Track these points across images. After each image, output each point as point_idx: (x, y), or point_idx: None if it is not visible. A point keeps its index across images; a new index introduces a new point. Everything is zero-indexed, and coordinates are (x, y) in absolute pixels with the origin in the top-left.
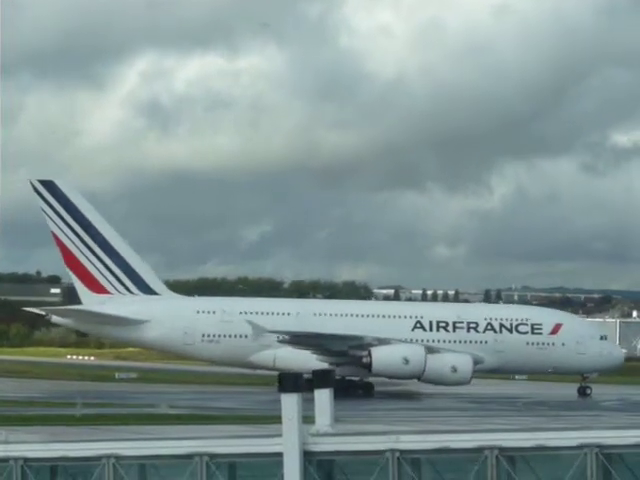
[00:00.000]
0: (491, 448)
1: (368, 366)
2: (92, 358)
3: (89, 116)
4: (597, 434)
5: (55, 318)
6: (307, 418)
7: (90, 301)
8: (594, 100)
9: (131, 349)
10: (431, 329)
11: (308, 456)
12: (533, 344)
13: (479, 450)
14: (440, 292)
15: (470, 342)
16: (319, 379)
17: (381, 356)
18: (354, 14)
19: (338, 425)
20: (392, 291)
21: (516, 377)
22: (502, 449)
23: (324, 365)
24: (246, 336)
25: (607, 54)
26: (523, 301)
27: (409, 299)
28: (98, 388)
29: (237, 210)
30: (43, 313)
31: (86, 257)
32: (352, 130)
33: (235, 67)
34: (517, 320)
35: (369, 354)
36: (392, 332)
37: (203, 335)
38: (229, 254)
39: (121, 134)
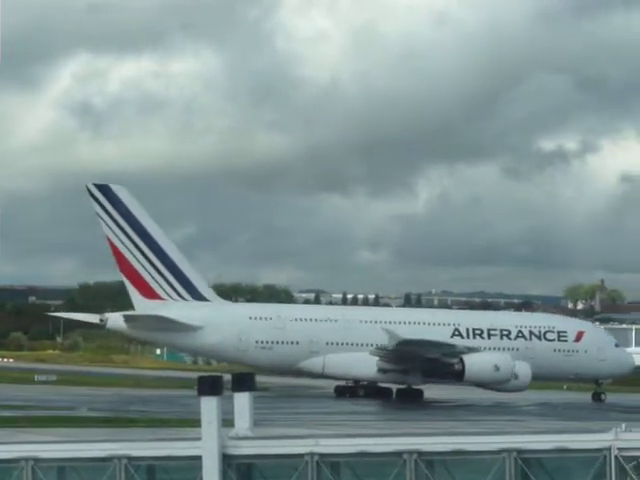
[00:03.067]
0: (410, 452)
1: (460, 373)
2: (11, 360)
3: (20, 117)
4: (516, 439)
5: (110, 324)
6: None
7: (143, 306)
8: (524, 106)
9: (50, 351)
10: (468, 336)
11: (227, 459)
12: (560, 351)
13: (398, 454)
14: (361, 296)
15: (503, 349)
16: (238, 383)
17: (473, 363)
18: (290, 19)
19: (258, 429)
20: (313, 295)
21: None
22: (421, 453)
23: (373, 372)
24: (297, 342)
25: (540, 61)
26: (444, 305)
27: (330, 303)
28: (17, 391)
29: (162, 213)
30: (96, 321)
31: (140, 263)
32: (283, 134)
33: (169, 70)
34: (545, 328)
35: (461, 361)
36: (433, 338)
37: (257, 341)
38: None
39: (52, 135)
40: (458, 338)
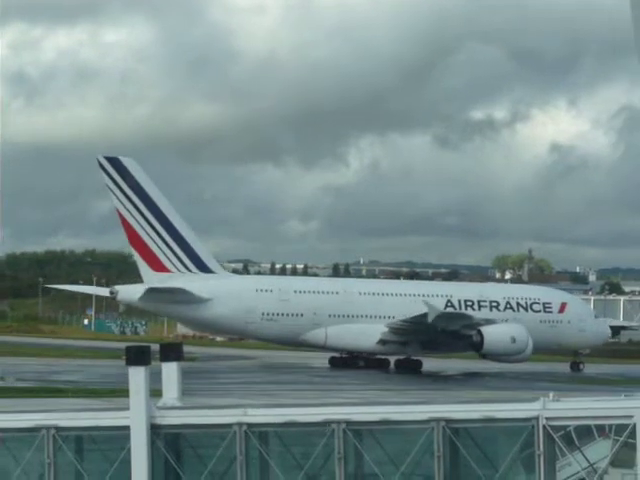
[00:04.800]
0: (338, 422)
1: (478, 345)
2: None
3: None
4: (443, 408)
5: (121, 296)
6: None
7: (152, 279)
8: (457, 76)
9: None
10: (460, 307)
11: (155, 429)
12: (545, 322)
13: (326, 424)
14: (289, 266)
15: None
16: (167, 353)
17: (492, 335)
18: None
19: (186, 398)
20: (241, 265)
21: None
22: (349, 423)
23: (373, 344)
24: (301, 315)
25: (473, 32)
26: (371, 275)
27: (258, 272)
28: None
29: (91, 184)
30: (110, 292)
31: (149, 235)
32: (217, 105)
33: (104, 40)
34: (531, 299)
35: (479, 333)
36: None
37: (263, 314)
38: (80, 227)
39: None
40: (451, 309)
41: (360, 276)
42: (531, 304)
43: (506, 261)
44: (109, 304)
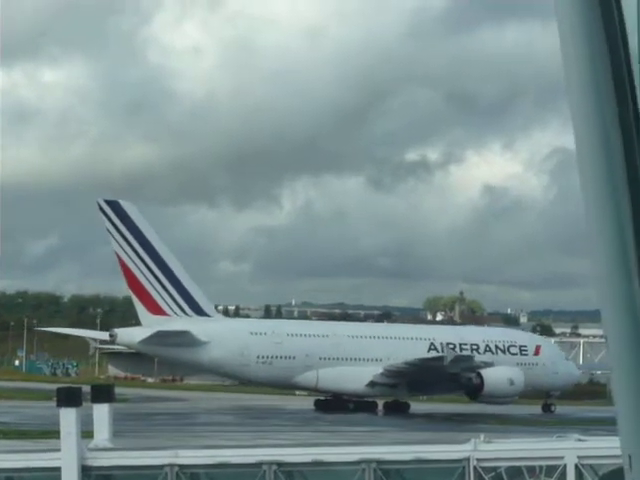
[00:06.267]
0: (269, 463)
1: (478, 387)
2: None
3: None
4: (375, 450)
5: (121, 338)
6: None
7: (149, 322)
8: (392, 119)
9: None
10: (442, 350)
11: (86, 470)
12: (522, 364)
13: (257, 465)
14: (220, 307)
15: None
16: (98, 394)
17: (491, 377)
18: (164, 31)
19: (118, 440)
20: None
21: (296, 393)
22: (280, 464)
23: (362, 387)
24: (294, 357)
25: (410, 76)
26: (303, 316)
27: None
28: None
29: (25, 224)
30: (110, 335)
31: (146, 279)
32: (153, 145)
33: (42, 80)
34: (508, 342)
35: (479, 376)
36: (411, 353)
37: (257, 356)
38: (12, 268)
39: None
40: (434, 352)
41: (292, 318)
42: (508, 347)
43: (438, 302)
44: (40, 345)
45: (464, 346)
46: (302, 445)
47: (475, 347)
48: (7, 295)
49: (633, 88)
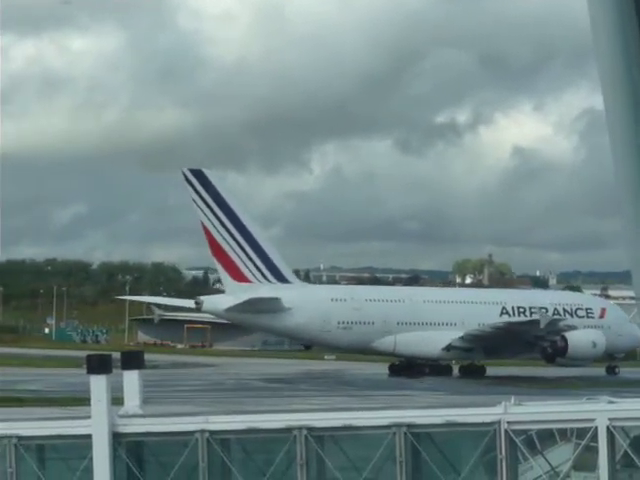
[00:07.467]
0: (300, 428)
1: (560, 350)
2: None
3: None
4: (405, 413)
5: (206, 306)
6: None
7: (233, 289)
8: (424, 82)
9: None
10: (514, 314)
11: (117, 438)
12: (589, 327)
13: (288, 430)
14: None
15: None
16: (128, 361)
17: (576, 340)
18: None
19: (148, 407)
20: (201, 272)
21: (325, 357)
22: (311, 429)
23: (438, 351)
24: (372, 323)
25: (442, 38)
26: (332, 281)
27: (218, 280)
28: None
29: (54, 192)
30: (196, 303)
31: (231, 247)
32: (182, 112)
33: (71, 48)
34: (575, 305)
35: (563, 339)
36: (485, 317)
37: (338, 322)
38: (41, 236)
39: None
40: (506, 317)
41: (320, 282)
42: (576, 310)
43: (466, 265)
44: (70, 313)
45: (533, 309)
46: (332, 409)
47: (544, 310)
48: (36, 263)
49: None
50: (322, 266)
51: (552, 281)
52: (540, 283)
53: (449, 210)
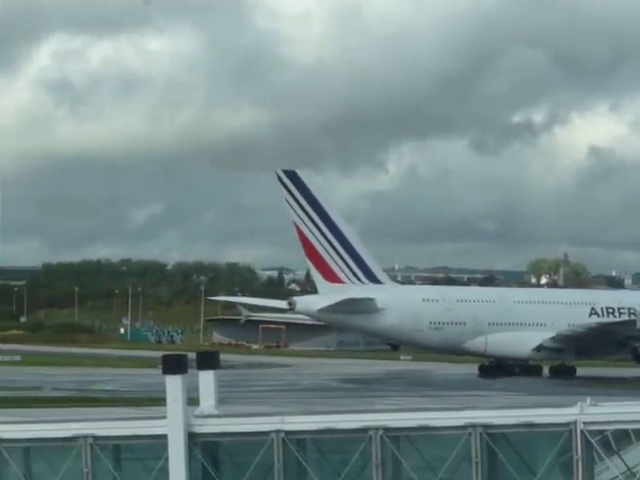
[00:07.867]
0: (376, 428)
1: None
2: None
3: None
4: (481, 414)
5: (300, 307)
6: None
7: (326, 290)
8: (499, 81)
9: (14, 331)
10: (602, 315)
11: (193, 438)
12: None
13: (363, 430)
14: None
15: None
16: (204, 361)
17: None
18: None
19: (223, 407)
20: (276, 272)
21: (401, 357)
22: (386, 429)
23: (529, 351)
24: (464, 323)
25: (517, 36)
26: (407, 281)
27: (293, 280)
28: None
29: (130, 192)
30: (289, 304)
31: (324, 248)
32: (259, 112)
33: (149, 48)
34: None
35: None
36: (574, 318)
37: (430, 322)
38: (116, 236)
39: (29, 115)
40: (595, 317)
41: (396, 282)
42: None
43: (541, 266)
44: (145, 313)
45: (622, 310)
46: (408, 410)
47: (633, 311)
48: (112, 263)
49: None
50: (397, 266)
51: (627, 281)
52: (615, 283)
53: (524, 210)
